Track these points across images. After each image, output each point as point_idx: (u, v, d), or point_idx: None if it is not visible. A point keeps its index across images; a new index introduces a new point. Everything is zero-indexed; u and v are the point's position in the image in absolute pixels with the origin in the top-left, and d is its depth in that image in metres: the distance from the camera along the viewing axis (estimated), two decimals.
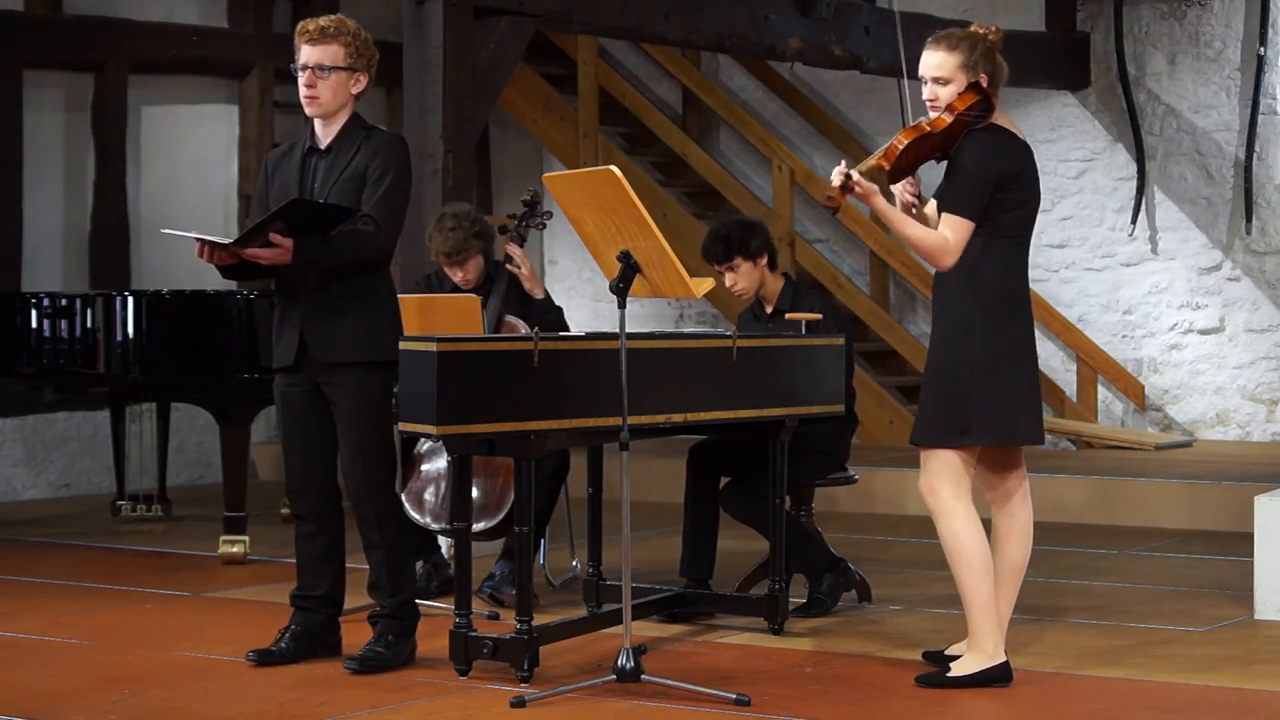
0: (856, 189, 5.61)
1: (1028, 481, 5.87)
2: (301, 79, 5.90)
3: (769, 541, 6.65)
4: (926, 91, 5.66)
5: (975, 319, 5.64)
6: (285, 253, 5.76)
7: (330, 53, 5.87)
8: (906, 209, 5.79)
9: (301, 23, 5.96)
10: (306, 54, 5.89)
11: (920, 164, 5.73)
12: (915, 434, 5.76)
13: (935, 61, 5.65)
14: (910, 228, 5.69)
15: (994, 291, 5.64)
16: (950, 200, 5.65)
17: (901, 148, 5.61)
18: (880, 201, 5.67)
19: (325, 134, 5.96)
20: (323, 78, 5.87)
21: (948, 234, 5.62)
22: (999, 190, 5.60)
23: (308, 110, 5.94)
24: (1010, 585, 5.81)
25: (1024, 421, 5.70)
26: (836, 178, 5.61)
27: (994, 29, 5.72)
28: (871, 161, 5.69)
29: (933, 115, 5.65)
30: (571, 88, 12.97)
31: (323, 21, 5.91)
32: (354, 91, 5.94)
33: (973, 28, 5.72)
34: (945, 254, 5.64)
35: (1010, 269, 5.68)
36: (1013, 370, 5.67)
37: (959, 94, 5.60)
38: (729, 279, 6.97)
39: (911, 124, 5.67)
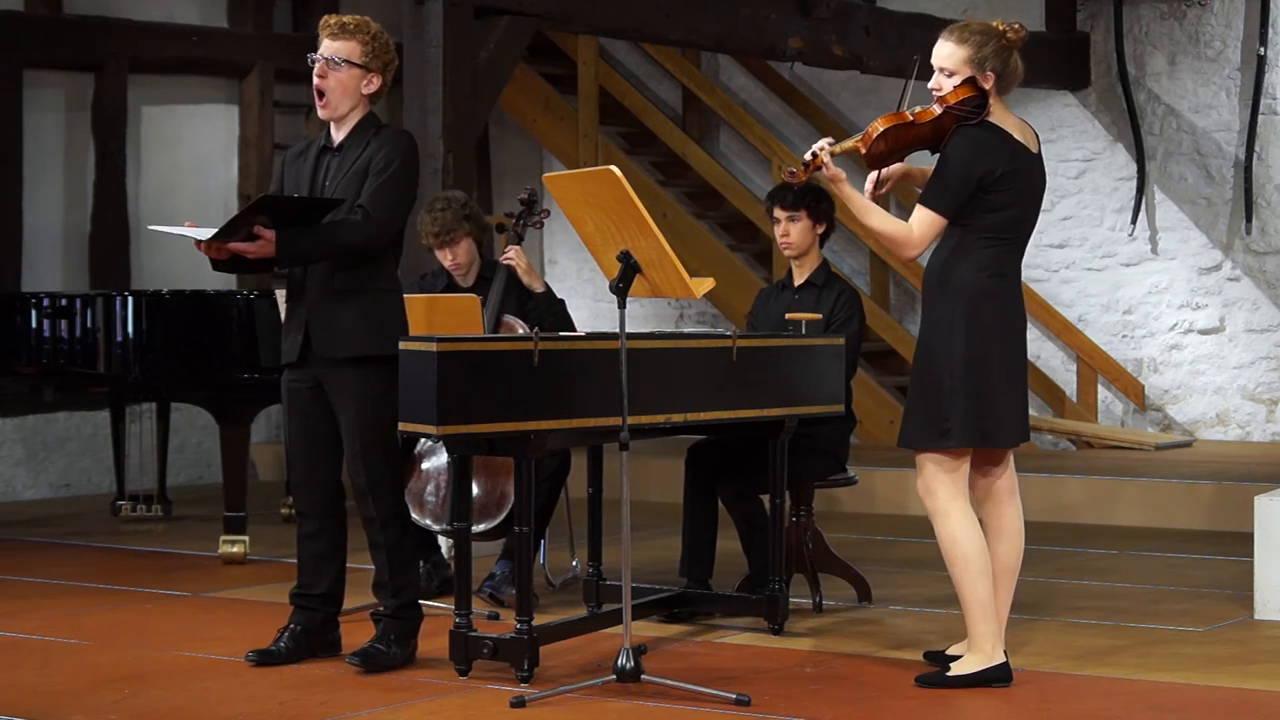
0: (824, 169, 5.61)
1: (1016, 480, 5.83)
2: (314, 70, 5.95)
3: (756, 543, 6.69)
4: (933, 81, 5.64)
5: (955, 320, 5.58)
6: (268, 244, 5.78)
7: (346, 48, 5.91)
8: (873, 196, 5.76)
9: (325, 17, 6.07)
10: (324, 46, 5.96)
11: (903, 153, 5.68)
12: (900, 436, 5.75)
13: (944, 52, 5.61)
14: (872, 217, 5.64)
15: (975, 292, 5.57)
16: (926, 192, 5.59)
17: (878, 133, 5.59)
18: (846, 188, 5.64)
19: (338, 132, 6.00)
20: (334, 69, 5.90)
21: (913, 225, 5.56)
22: (981, 190, 5.54)
23: (319, 113, 6.00)
24: (1005, 585, 5.76)
25: (1004, 424, 5.62)
26: (809, 154, 5.61)
27: (1016, 26, 5.62)
28: (849, 144, 5.67)
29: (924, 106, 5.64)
30: (571, 88, 12.97)
31: (345, 18, 6.00)
32: (366, 91, 5.96)
33: (994, 23, 5.63)
34: (907, 245, 5.57)
35: (994, 271, 5.60)
36: (994, 372, 5.59)
37: (954, 88, 5.59)
38: (783, 228, 6.92)
39: (895, 110, 5.66)
